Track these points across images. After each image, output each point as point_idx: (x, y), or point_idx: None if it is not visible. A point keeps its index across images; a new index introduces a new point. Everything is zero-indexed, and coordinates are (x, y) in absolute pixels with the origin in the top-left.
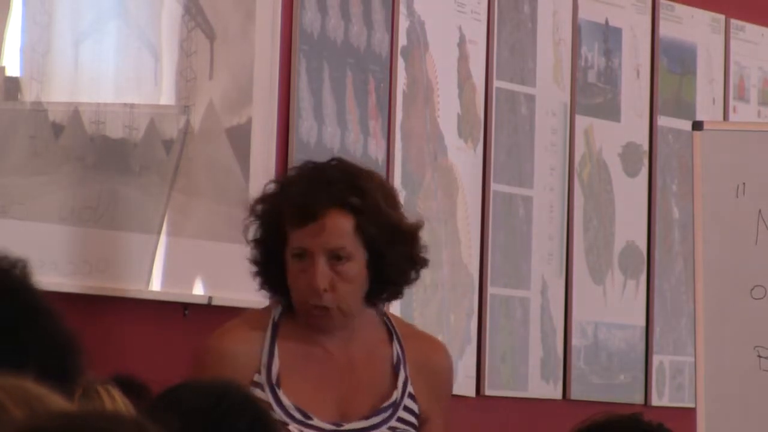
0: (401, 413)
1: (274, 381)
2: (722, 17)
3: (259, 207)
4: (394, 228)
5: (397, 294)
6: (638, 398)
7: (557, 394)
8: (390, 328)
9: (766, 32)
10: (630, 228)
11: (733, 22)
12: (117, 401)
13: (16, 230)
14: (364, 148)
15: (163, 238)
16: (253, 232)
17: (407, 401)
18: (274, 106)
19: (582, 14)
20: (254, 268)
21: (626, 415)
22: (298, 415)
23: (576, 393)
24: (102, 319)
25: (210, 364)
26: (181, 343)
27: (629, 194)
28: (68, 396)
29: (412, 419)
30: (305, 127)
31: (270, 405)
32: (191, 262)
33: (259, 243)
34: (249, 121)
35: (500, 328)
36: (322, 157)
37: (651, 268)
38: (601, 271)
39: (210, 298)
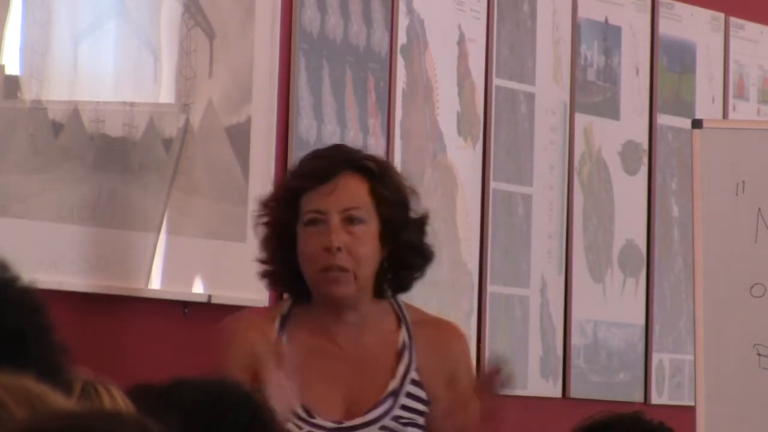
0: (405, 400)
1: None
2: (722, 15)
3: (269, 198)
4: (407, 204)
5: (405, 284)
6: (638, 397)
7: (557, 393)
8: (399, 315)
9: (765, 30)
10: (629, 226)
11: (733, 20)
12: (117, 400)
13: (16, 229)
14: (363, 147)
15: (162, 237)
16: (261, 231)
17: (410, 388)
18: (273, 105)
19: (581, 12)
20: (263, 266)
21: (627, 414)
22: (301, 413)
23: (575, 391)
24: (102, 318)
25: (228, 344)
26: (180, 342)
27: (629, 192)
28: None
29: (420, 406)
30: (305, 126)
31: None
32: (191, 260)
33: (270, 230)
34: (248, 120)
35: (500, 326)
36: None
37: (650, 267)
38: (601, 270)
39: (209, 296)
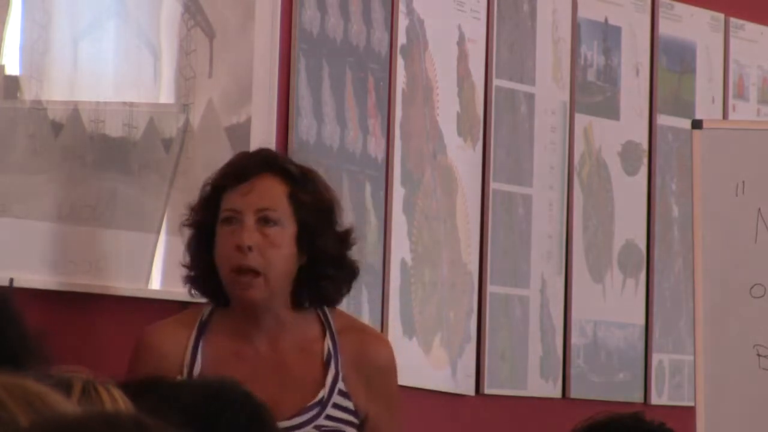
0: (330, 411)
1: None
2: (722, 16)
3: (195, 200)
4: (328, 212)
5: (327, 296)
6: (637, 397)
7: (557, 393)
8: (325, 324)
9: (765, 31)
10: (629, 227)
11: (733, 20)
12: (117, 400)
13: (16, 228)
14: (363, 147)
15: (162, 237)
16: (186, 234)
17: (338, 398)
18: (273, 105)
19: (581, 13)
20: (186, 271)
21: (627, 415)
22: None
23: (575, 392)
24: (101, 318)
25: (139, 357)
26: None
27: (628, 193)
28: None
29: (346, 416)
30: (305, 126)
31: None
32: None
33: (193, 231)
34: (248, 120)
35: (500, 326)
36: (322, 156)
37: (650, 267)
38: (601, 270)
39: None
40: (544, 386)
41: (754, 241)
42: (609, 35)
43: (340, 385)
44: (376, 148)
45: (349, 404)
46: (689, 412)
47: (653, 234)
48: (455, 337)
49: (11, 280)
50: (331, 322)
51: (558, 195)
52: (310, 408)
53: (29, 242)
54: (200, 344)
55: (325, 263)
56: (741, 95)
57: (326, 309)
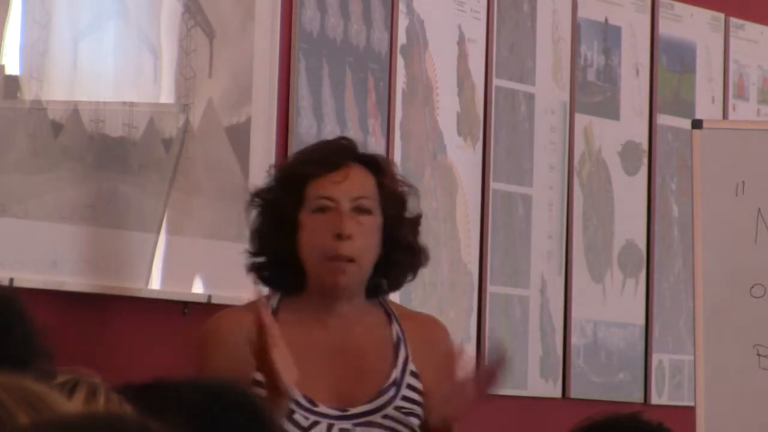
0: (405, 391)
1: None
2: (722, 15)
3: (266, 186)
4: (405, 202)
5: (397, 282)
6: (637, 397)
7: (557, 393)
8: (388, 311)
9: (765, 31)
10: (629, 227)
11: (733, 20)
12: (115, 402)
13: (16, 229)
14: (363, 147)
15: (162, 237)
16: (255, 220)
17: (410, 379)
18: (273, 105)
19: (581, 13)
20: (254, 258)
21: (626, 415)
22: (304, 402)
23: (575, 392)
24: (101, 318)
25: (211, 348)
26: (180, 342)
27: (629, 193)
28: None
29: (416, 396)
30: (305, 126)
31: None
32: (191, 260)
33: (268, 217)
34: (248, 120)
35: (499, 326)
36: None
37: (650, 267)
38: (601, 270)
39: (209, 296)
40: (544, 386)
41: (754, 241)
42: (609, 35)
43: (411, 366)
44: (376, 147)
45: (419, 384)
46: (689, 412)
47: (653, 234)
48: (455, 337)
49: (11, 280)
50: (392, 309)
51: (558, 195)
52: (386, 389)
53: (29, 242)
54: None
55: (401, 251)
56: (741, 95)
57: (385, 298)
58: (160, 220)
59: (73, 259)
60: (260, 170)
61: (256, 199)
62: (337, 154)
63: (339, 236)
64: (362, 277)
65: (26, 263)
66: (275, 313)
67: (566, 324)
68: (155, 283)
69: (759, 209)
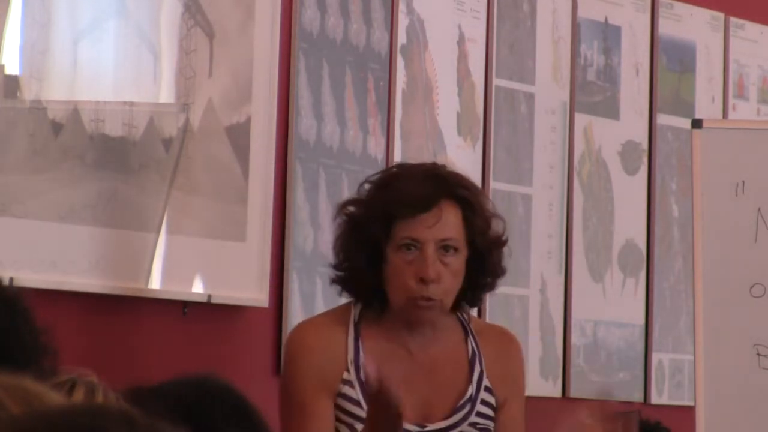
0: (479, 407)
1: (363, 379)
2: (722, 15)
3: (354, 207)
4: (491, 228)
5: (476, 299)
6: (638, 396)
7: (557, 392)
8: (465, 326)
9: (765, 30)
10: (629, 226)
11: (733, 20)
12: (113, 401)
13: (16, 228)
14: (363, 147)
15: (162, 237)
16: (339, 232)
17: (484, 395)
18: (273, 104)
19: (581, 12)
20: (337, 273)
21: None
22: None
23: (575, 391)
24: (102, 318)
25: (300, 357)
26: (180, 342)
27: (628, 192)
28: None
29: (490, 412)
30: (305, 126)
31: (359, 402)
32: (190, 260)
33: (355, 243)
34: (248, 120)
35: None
36: (322, 156)
37: (650, 267)
38: (601, 270)
39: (209, 296)
40: (544, 386)
41: (754, 240)
42: (609, 35)
43: (485, 381)
44: (376, 147)
45: (492, 400)
46: (689, 411)
47: (653, 233)
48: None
49: (11, 280)
50: (470, 325)
51: (558, 194)
52: (462, 406)
53: (29, 242)
54: (360, 343)
55: (487, 275)
56: (741, 95)
57: (465, 313)
58: (160, 220)
59: (73, 258)
60: (260, 170)
61: (345, 212)
62: (430, 195)
63: (423, 280)
64: (444, 311)
65: (26, 263)
66: (357, 323)
67: (566, 324)
68: (155, 283)
69: (759, 209)
